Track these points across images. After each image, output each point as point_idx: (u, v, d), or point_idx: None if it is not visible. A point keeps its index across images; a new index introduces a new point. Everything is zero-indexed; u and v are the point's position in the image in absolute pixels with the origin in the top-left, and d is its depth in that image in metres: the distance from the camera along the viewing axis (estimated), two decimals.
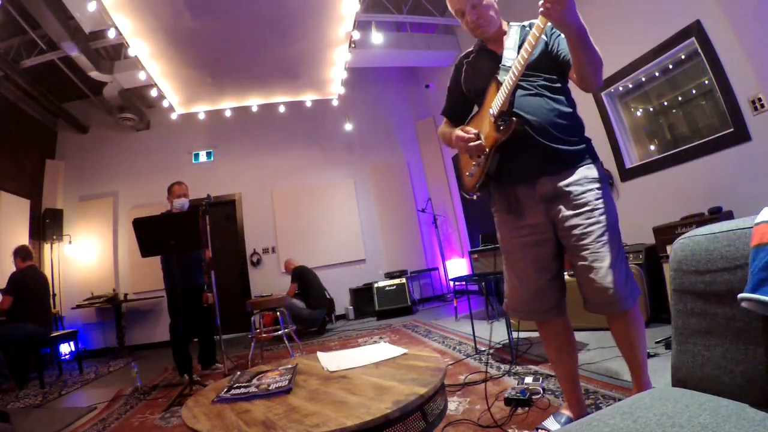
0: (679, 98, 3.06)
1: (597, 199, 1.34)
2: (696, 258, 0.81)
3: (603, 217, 1.32)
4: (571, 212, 1.35)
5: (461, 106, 1.64)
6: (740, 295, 0.67)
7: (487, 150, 1.39)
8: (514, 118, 1.32)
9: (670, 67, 3.04)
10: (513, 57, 1.36)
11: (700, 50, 2.69)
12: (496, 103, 1.36)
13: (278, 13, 4.08)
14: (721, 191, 2.68)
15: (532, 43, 1.20)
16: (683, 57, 2.91)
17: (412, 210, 6.96)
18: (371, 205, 6.83)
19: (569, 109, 1.40)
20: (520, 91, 1.38)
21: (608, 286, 1.29)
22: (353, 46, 4.79)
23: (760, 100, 2.40)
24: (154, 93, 5.10)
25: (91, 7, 3.59)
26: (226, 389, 1.28)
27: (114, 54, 5.26)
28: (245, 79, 5.30)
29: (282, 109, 6.21)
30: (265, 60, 4.87)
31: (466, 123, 1.56)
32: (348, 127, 6.83)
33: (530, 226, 1.43)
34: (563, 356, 1.51)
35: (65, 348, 5.02)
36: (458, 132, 1.46)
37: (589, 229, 1.32)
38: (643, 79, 3.25)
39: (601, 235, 1.31)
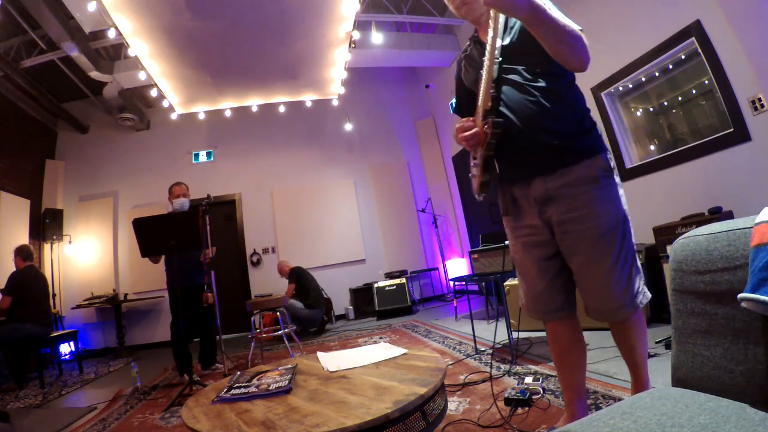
0: (679, 98, 3.06)
1: (593, 201, 1.23)
2: (696, 258, 0.81)
3: (598, 221, 1.22)
4: (563, 216, 1.26)
5: (468, 101, 1.52)
6: (740, 295, 0.67)
7: (480, 148, 1.32)
8: (490, 119, 1.22)
9: (670, 67, 3.04)
10: (497, 45, 1.27)
11: (700, 50, 2.69)
12: (481, 99, 1.28)
13: (278, 13, 4.08)
14: (721, 191, 2.68)
15: (490, 35, 1.12)
16: (683, 57, 2.91)
17: (412, 210, 6.96)
18: (371, 205, 6.83)
19: (557, 98, 1.24)
20: (504, 87, 1.28)
21: (603, 296, 1.23)
22: (353, 46, 4.79)
23: (760, 100, 2.40)
24: (154, 93, 5.09)
25: (91, 7, 3.59)
26: (226, 389, 1.28)
27: (114, 54, 5.26)
28: (245, 79, 5.29)
29: (282, 109, 6.21)
30: (265, 60, 4.87)
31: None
32: (348, 127, 6.83)
33: (528, 226, 1.36)
34: (565, 363, 1.41)
35: (65, 348, 5.02)
36: (457, 124, 1.35)
37: (582, 234, 1.23)
38: (643, 79, 3.25)
39: (597, 240, 1.22)
